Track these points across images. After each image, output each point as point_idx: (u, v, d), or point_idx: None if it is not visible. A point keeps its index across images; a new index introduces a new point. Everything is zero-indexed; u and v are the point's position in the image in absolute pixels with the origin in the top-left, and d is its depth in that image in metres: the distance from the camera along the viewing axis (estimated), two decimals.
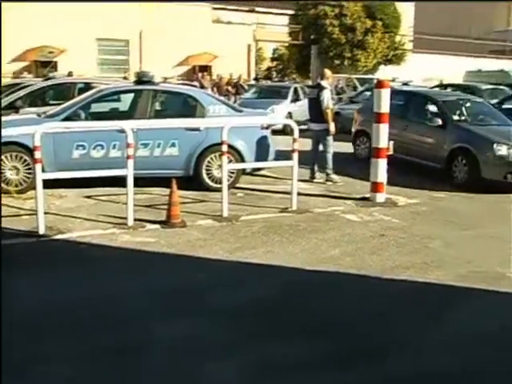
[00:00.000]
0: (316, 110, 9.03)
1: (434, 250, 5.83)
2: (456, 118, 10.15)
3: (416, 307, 4.46)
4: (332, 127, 8.92)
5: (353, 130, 12.09)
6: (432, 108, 10.50)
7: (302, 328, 3.96)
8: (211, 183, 8.04)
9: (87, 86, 10.65)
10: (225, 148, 6.67)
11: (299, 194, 7.34)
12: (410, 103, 11.05)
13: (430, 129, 10.12)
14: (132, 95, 8.50)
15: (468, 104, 10.83)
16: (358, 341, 3.83)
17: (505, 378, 3.52)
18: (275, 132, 9.55)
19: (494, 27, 36.04)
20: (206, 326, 3.92)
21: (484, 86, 19.22)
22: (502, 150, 9.05)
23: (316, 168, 9.15)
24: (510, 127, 10.05)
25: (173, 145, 7.93)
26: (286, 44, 29.85)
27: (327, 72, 9.30)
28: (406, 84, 15.85)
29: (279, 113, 15.52)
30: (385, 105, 7.63)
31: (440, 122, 9.87)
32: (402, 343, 3.85)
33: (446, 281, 4.97)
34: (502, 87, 19.75)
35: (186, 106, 8.68)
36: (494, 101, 14.22)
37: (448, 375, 3.47)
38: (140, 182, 6.91)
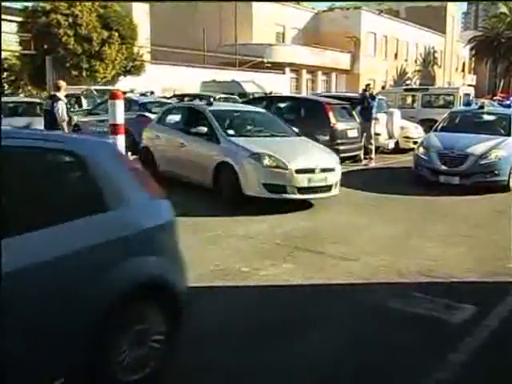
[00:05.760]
0: (51, 122, 8.81)
1: None
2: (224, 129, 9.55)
3: None
4: None
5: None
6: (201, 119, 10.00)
7: None
8: None
9: None
10: None
11: None
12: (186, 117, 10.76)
13: (202, 143, 9.53)
14: None
15: (243, 115, 10.54)
16: None
17: None
18: None
19: (223, 41, 38.86)
20: None
21: (218, 96, 20.69)
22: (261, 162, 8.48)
23: None
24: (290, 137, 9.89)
25: None
26: (17, 53, 27.74)
27: (62, 83, 9.17)
28: (143, 94, 16.07)
29: None
30: (120, 116, 7.62)
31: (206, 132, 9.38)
32: None
33: None
34: (234, 96, 21.50)
35: None
36: None
37: None
38: None
